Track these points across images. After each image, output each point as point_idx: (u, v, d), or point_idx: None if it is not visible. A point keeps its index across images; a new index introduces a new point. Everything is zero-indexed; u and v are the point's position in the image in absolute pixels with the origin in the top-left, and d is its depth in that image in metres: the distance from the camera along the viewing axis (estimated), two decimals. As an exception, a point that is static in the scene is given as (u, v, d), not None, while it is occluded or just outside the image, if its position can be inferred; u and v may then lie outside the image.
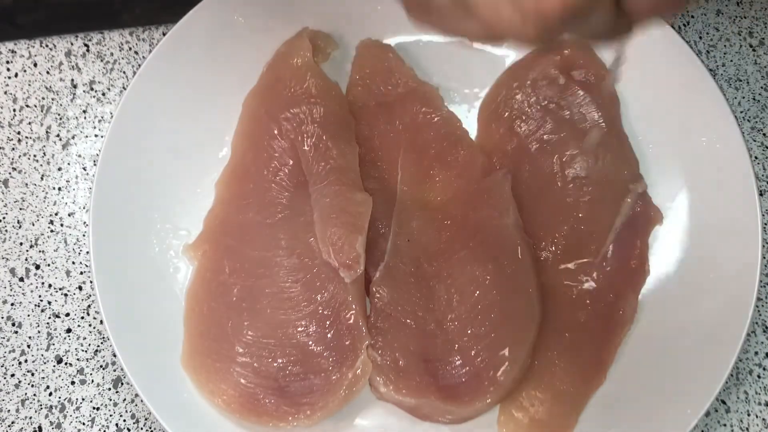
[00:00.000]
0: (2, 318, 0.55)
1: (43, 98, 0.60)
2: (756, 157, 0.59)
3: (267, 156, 0.55)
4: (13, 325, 0.55)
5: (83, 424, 0.53)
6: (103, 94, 0.60)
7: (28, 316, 0.55)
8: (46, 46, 0.61)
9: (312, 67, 0.56)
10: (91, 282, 0.56)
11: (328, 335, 0.50)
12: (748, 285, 0.50)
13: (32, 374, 0.54)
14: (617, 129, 0.55)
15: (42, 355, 0.55)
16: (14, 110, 0.60)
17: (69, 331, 0.55)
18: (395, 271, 0.52)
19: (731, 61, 0.61)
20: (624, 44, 0.37)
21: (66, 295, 0.56)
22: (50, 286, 0.56)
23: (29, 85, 0.60)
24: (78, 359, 0.55)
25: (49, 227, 0.57)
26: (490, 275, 0.51)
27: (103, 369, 0.55)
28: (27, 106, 0.60)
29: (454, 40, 0.57)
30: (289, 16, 0.57)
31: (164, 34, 0.59)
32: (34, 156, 0.59)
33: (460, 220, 0.53)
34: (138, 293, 0.52)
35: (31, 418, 0.54)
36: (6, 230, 0.57)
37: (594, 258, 0.53)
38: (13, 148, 0.59)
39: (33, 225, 0.57)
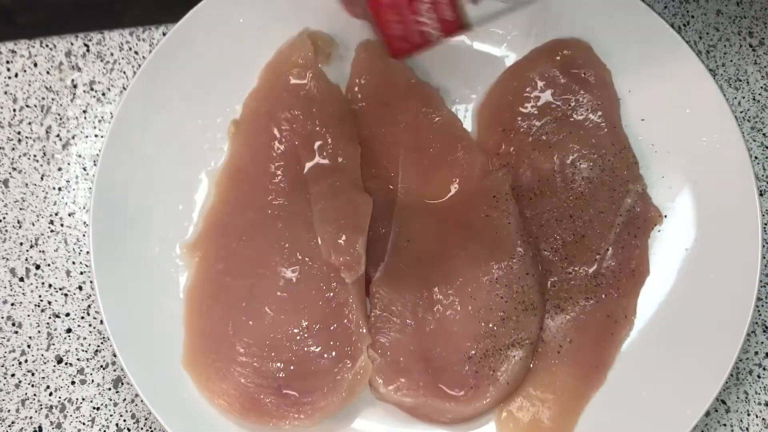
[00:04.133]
0: (2, 318, 0.55)
1: (43, 98, 0.60)
2: (756, 157, 0.59)
3: (267, 156, 0.55)
4: (13, 325, 0.55)
5: (83, 424, 0.53)
6: (103, 94, 0.60)
7: (28, 316, 0.55)
8: (46, 46, 0.61)
9: (312, 68, 0.56)
10: (91, 282, 0.56)
11: (329, 335, 0.50)
12: (748, 285, 0.50)
13: (32, 374, 0.54)
14: (617, 129, 0.55)
15: (42, 355, 0.55)
16: (14, 110, 0.60)
17: (69, 331, 0.55)
18: (395, 271, 0.52)
19: (731, 61, 0.61)
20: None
21: (66, 295, 0.56)
22: (50, 286, 0.56)
23: (29, 85, 0.60)
24: (78, 359, 0.55)
25: (49, 227, 0.57)
26: (490, 275, 0.51)
27: (103, 369, 0.55)
28: (27, 106, 0.60)
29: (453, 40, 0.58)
30: (289, 17, 0.57)
31: (164, 34, 0.59)
32: (34, 156, 0.59)
33: (460, 220, 0.53)
34: (138, 293, 0.52)
35: (31, 418, 0.54)
36: (6, 230, 0.57)
37: (594, 258, 0.53)
38: (13, 148, 0.59)
39: (33, 225, 0.57)
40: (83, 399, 0.54)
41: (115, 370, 0.54)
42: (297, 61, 0.56)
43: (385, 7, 0.37)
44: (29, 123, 0.59)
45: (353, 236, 0.51)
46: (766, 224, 0.53)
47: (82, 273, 0.56)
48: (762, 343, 0.55)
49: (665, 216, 0.54)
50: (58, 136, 0.59)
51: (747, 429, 0.53)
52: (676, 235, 0.53)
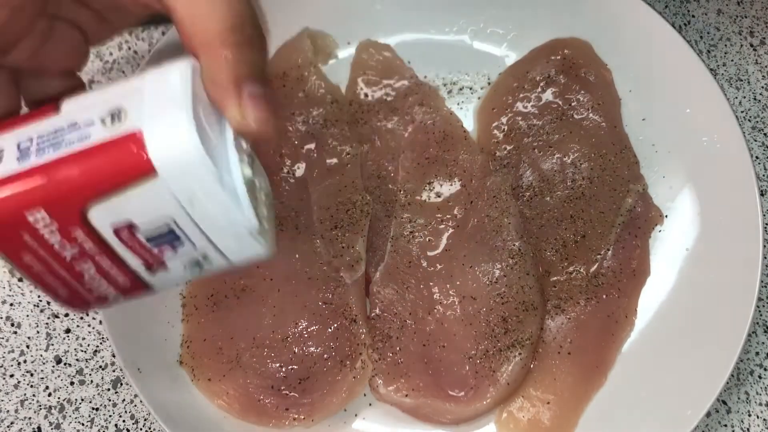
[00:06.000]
0: (1, 318, 0.55)
1: (43, 98, 0.60)
2: (757, 157, 0.59)
3: (267, 156, 0.55)
4: (12, 325, 0.55)
5: (82, 424, 0.53)
6: (103, 94, 0.60)
7: (27, 316, 0.55)
8: (46, 45, 0.61)
9: (312, 68, 0.56)
10: (90, 282, 0.56)
11: (329, 336, 0.50)
12: (748, 285, 0.49)
13: (31, 374, 0.54)
14: (617, 129, 0.55)
15: (41, 356, 0.55)
16: (13, 110, 0.59)
17: (68, 331, 0.55)
18: (395, 271, 0.52)
19: (732, 60, 0.61)
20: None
21: (65, 295, 0.56)
22: (49, 286, 0.56)
23: (29, 85, 0.60)
24: (77, 359, 0.55)
25: (48, 227, 0.57)
26: (490, 275, 0.51)
27: (103, 369, 0.54)
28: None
29: (454, 39, 0.58)
30: (289, 17, 0.57)
31: (164, 34, 0.59)
32: (34, 156, 0.59)
33: (460, 220, 0.53)
34: (137, 293, 0.52)
35: (30, 418, 0.53)
36: (5, 230, 0.57)
37: (594, 258, 0.52)
38: (13, 148, 0.59)
39: (32, 225, 0.57)
40: (82, 399, 0.54)
41: (114, 371, 0.54)
42: (297, 61, 0.56)
43: (38, 275, 0.32)
44: (28, 123, 0.59)
45: (354, 236, 0.51)
46: (767, 224, 0.53)
47: (81, 273, 0.56)
48: (763, 343, 0.55)
49: (666, 216, 0.54)
50: (57, 136, 0.59)
51: (748, 430, 0.53)
52: (677, 235, 0.53)
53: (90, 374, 0.54)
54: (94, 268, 0.32)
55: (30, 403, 0.54)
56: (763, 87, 0.60)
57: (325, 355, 0.50)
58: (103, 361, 0.55)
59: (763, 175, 0.58)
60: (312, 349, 0.50)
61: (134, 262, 0.32)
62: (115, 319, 0.50)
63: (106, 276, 0.33)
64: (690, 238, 0.53)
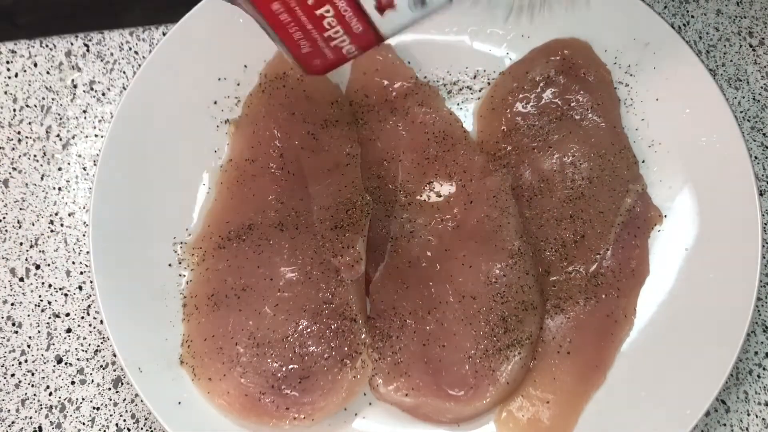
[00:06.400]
0: (2, 318, 0.55)
1: (43, 98, 0.60)
2: (756, 157, 0.59)
3: (267, 156, 0.55)
4: (14, 325, 0.55)
5: (83, 424, 0.53)
6: (103, 94, 0.60)
7: (28, 316, 0.55)
8: (46, 46, 0.61)
9: (312, 67, 0.56)
10: (91, 282, 0.56)
11: (329, 335, 0.50)
12: (748, 285, 0.50)
13: (32, 374, 0.54)
14: (617, 129, 0.55)
15: (42, 355, 0.55)
16: (14, 110, 0.60)
17: (69, 331, 0.55)
18: (395, 271, 0.52)
19: (731, 60, 0.61)
20: None
21: (66, 295, 0.56)
22: (50, 286, 0.56)
23: (29, 85, 0.60)
24: (78, 359, 0.55)
25: (49, 227, 0.57)
26: (490, 275, 0.51)
27: (103, 369, 0.55)
28: (27, 106, 0.60)
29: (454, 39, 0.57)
30: (289, 16, 0.57)
31: (164, 34, 0.59)
32: (34, 156, 0.59)
33: (460, 220, 0.53)
34: (138, 293, 0.52)
35: (31, 418, 0.54)
36: (6, 230, 0.57)
37: (594, 258, 0.53)
38: (13, 148, 0.59)
39: (33, 225, 0.57)
40: (83, 399, 0.54)
41: (114, 370, 0.54)
42: (297, 61, 0.56)
43: (284, 26, 0.35)
44: (29, 123, 0.59)
45: (353, 236, 0.51)
46: (766, 224, 0.53)
47: (82, 273, 0.56)
48: (762, 342, 0.55)
49: (665, 216, 0.54)
50: (58, 136, 0.59)
51: (747, 429, 0.53)
52: (676, 235, 0.53)
53: (91, 374, 0.54)
54: (333, 11, 0.34)
55: (31, 403, 0.54)
56: (762, 87, 0.60)
57: (325, 355, 0.50)
58: (104, 361, 0.55)
59: (762, 175, 0.58)
60: (312, 348, 0.50)
61: (367, 3, 0.34)
62: (116, 319, 0.50)
63: (343, 22, 0.34)
64: (689, 237, 0.53)
